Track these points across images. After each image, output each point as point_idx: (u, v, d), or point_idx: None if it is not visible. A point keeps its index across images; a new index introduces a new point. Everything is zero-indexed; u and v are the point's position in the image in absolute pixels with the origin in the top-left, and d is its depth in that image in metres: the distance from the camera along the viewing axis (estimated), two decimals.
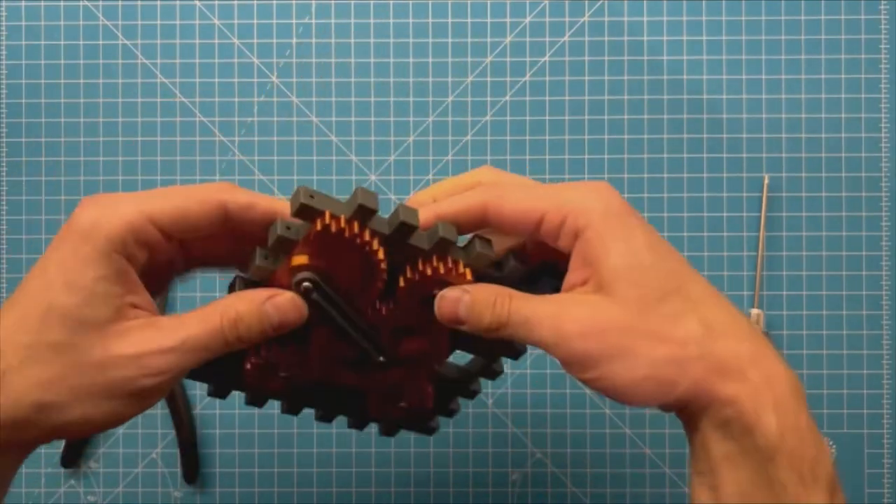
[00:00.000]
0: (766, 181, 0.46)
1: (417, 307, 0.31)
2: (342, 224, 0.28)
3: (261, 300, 0.28)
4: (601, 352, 0.27)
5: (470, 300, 0.29)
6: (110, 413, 0.27)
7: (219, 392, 0.34)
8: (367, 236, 0.28)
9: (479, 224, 0.30)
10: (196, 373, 0.30)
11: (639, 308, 0.27)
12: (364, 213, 0.28)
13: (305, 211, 0.28)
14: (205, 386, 0.34)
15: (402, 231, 0.29)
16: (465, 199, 0.30)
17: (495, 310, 0.29)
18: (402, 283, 0.30)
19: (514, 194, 0.29)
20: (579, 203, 0.28)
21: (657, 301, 0.27)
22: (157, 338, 0.27)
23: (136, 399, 0.27)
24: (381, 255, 0.29)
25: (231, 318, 0.28)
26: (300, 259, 0.29)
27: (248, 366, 0.31)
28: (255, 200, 0.29)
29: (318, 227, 0.27)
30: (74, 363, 0.26)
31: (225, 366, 0.31)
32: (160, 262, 0.29)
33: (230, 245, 0.30)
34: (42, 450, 0.46)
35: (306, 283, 0.29)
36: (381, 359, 0.32)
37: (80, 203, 0.27)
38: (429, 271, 0.30)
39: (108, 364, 0.26)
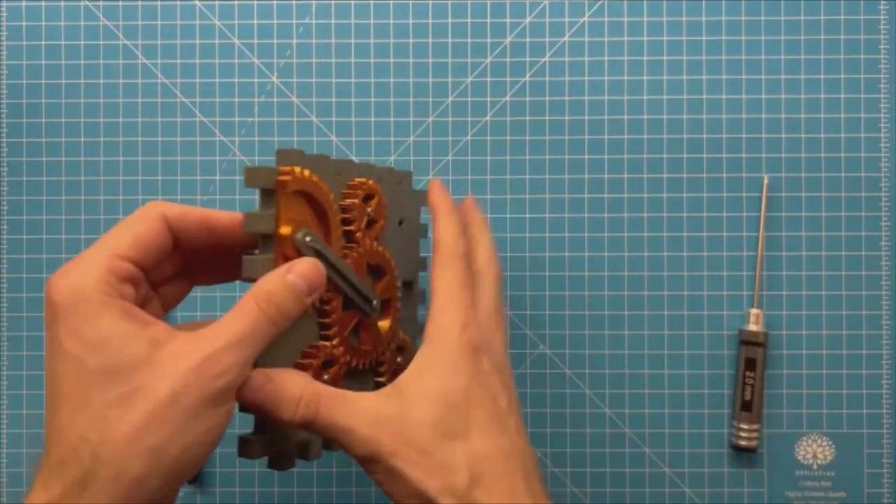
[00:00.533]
0: (766, 181, 0.46)
1: (370, 239, 0.36)
2: (298, 171, 0.32)
3: (283, 273, 0.30)
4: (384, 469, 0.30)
5: (273, 390, 0.30)
6: (205, 431, 0.27)
7: (281, 463, 0.33)
8: (316, 178, 0.32)
9: None
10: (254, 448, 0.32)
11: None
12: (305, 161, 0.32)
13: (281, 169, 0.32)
14: None
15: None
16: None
17: (299, 409, 0.30)
18: (351, 223, 0.35)
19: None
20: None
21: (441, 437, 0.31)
22: (205, 345, 0.27)
23: (215, 406, 0.27)
24: (331, 196, 0.33)
25: (265, 298, 0.29)
26: (286, 229, 0.31)
27: None
28: (188, 209, 0.32)
29: (286, 177, 0.31)
30: (148, 403, 0.26)
31: (280, 439, 0.32)
32: (143, 296, 0.31)
33: (188, 259, 0.34)
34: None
35: (308, 238, 0.32)
36: (374, 303, 0.36)
37: (48, 284, 0.28)
38: (358, 191, 0.35)
39: (177, 387, 0.27)
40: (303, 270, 0.31)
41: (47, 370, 0.28)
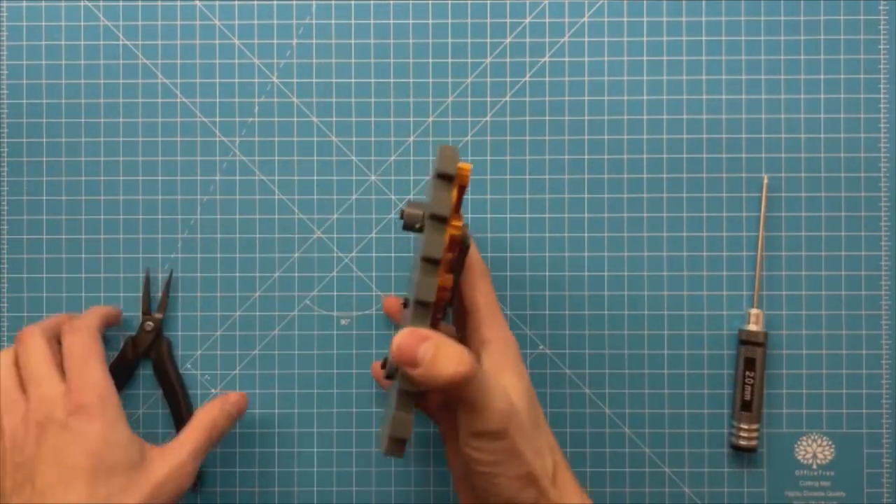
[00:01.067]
0: (766, 181, 0.46)
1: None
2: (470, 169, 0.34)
3: (221, 405, 0.42)
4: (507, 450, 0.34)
5: (440, 342, 0.32)
6: None
7: (401, 449, 0.35)
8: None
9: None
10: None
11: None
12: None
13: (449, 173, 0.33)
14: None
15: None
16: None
17: (462, 364, 0.32)
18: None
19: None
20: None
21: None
22: (175, 455, 0.39)
23: (179, 498, 0.39)
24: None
25: (211, 423, 0.41)
26: (458, 219, 0.34)
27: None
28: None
29: (465, 171, 0.33)
30: (141, 494, 0.37)
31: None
32: None
33: None
34: None
35: (469, 231, 0.36)
36: (450, 306, 0.38)
37: (76, 396, 0.38)
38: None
39: (160, 484, 0.38)
40: (236, 401, 0.43)
41: (58, 454, 0.36)
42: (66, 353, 0.39)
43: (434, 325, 0.34)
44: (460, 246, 0.35)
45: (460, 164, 0.33)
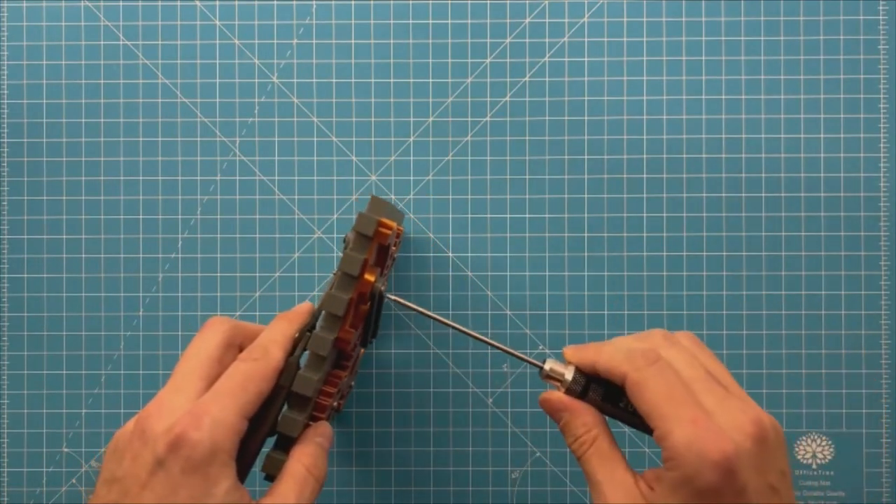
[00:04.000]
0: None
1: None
2: (396, 227, 0.34)
3: (314, 438, 0.34)
4: None
5: (567, 419, 0.35)
6: None
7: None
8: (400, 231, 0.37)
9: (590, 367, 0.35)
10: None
11: None
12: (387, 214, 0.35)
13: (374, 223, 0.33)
14: None
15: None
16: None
17: (581, 439, 0.34)
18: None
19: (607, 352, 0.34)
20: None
21: None
22: None
23: None
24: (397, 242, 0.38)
25: (312, 464, 0.33)
26: (371, 275, 0.34)
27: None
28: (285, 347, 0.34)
29: (386, 230, 0.33)
30: None
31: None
32: None
33: None
34: (43, 448, 0.47)
35: (382, 287, 0.36)
36: (373, 339, 0.40)
37: (183, 424, 0.29)
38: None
39: None
40: (326, 433, 0.34)
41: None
42: (224, 374, 0.32)
43: (347, 367, 0.35)
44: (371, 299, 0.35)
45: (385, 222, 0.33)
